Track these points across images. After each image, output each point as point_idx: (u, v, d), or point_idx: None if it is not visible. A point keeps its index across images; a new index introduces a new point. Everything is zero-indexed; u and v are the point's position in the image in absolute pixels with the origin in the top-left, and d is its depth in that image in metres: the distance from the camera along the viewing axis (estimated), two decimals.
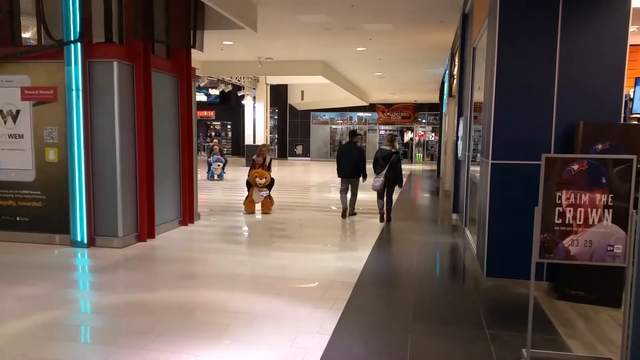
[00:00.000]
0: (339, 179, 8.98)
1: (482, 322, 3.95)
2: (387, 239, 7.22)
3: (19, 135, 6.40)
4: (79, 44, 6.05)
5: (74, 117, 6.12)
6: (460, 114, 8.90)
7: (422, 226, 8.67)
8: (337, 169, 8.90)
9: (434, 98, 24.28)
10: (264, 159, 9.23)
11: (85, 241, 6.23)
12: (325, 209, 10.13)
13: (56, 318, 3.97)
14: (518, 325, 3.75)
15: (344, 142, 28.49)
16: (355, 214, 9.07)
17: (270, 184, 9.13)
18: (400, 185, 8.59)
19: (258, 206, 9.17)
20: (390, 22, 10.08)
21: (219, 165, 15.52)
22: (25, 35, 6.90)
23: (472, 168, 7.19)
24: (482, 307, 4.42)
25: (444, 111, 15.33)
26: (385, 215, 8.51)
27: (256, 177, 8.87)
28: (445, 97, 14.41)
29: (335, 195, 12.15)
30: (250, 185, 9.15)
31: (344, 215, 8.91)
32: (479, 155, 6.03)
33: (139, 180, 6.56)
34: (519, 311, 4.04)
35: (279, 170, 20.30)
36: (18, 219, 6.50)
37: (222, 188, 13.77)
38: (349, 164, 8.68)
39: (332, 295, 4.53)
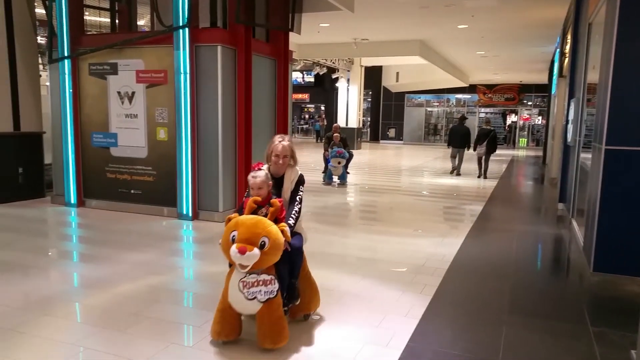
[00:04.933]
0: (449, 149, 12.96)
1: (586, 318, 3.65)
2: (483, 227, 6.90)
3: (134, 115, 7.00)
4: (186, 29, 6.43)
5: (182, 99, 6.55)
6: (571, 95, 8.20)
7: (523, 215, 8.16)
8: (449, 142, 12.89)
9: (541, 78, 22.60)
10: (282, 177, 3.42)
11: (190, 214, 6.71)
12: (417, 194, 9.92)
13: (163, 283, 4.34)
14: (627, 325, 3.41)
15: (439, 125, 28.35)
16: (460, 174, 12.61)
17: (293, 257, 3.21)
18: (495, 150, 12.26)
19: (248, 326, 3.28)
20: None
21: (339, 163, 10.21)
22: (140, 22, 7.50)
23: (582, 155, 6.61)
24: (587, 302, 4.09)
25: (552, 92, 14.24)
26: (483, 174, 12.19)
27: (233, 238, 2.93)
28: (554, 77, 13.36)
29: (428, 179, 12.09)
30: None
31: (452, 172, 12.73)
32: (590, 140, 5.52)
33: (238, 159, 6.89)
34: (629, 310, 3.69)
35: (370, 154, 20.24)
36: (132, 191, 7.16)
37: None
38: (459, 138, 12.55)
39: (421, 280, 4.45)
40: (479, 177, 12.22)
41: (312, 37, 14.66)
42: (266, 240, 2.91)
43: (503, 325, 3.53)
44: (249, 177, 3.22)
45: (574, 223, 6.65)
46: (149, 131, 6.95)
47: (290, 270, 3.24)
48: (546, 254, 6.06)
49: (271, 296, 3.00)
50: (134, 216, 6.91)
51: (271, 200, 3.14)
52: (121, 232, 6.15)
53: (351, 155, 10.61)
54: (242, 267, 2.91)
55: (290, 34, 7.95)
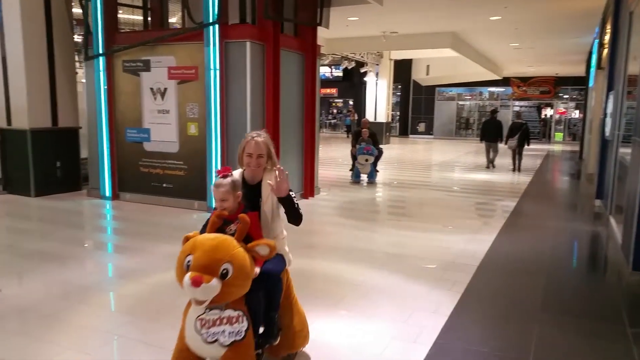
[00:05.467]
0: (483, 144, 13.21)
1: (624, 318, 3.53)
2: (516, 223, 6.74)
3: (166, 110, 7.13)
4: (216, 25, 6.49)
5: (212, 95, 6.63)
6: (610, 88, 7.90)
7: (558, 212, 7.93)
8: (482, 136, 13.09)
9: (578, 71, 21.84)
10: (259, 184, 2.72)
11: None
12: (447, 189, 9.76)
13: None
14: None
15: (471, 119, 27.79)
16: (494, 166, 12.91)
17: (270, 286, 2.59)
18: (529, 144, 12.46)
19: None
20: None
21: (367, 160, 9.63)
22: (172, 20, 7.62)
23: (621, 150, 6.37)
24: (625, 302, 3.95)
25: (590, 85, 13.78)
26: (517, 167, 12.35)
27: (188, 265, 2.23)
28: (592, 69, 12.93)
29: (459, 175, 11.89)
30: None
31: (487, 167, 12.92)
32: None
33: None
34: None
35: (399, 148, 20.05)
36: (164, 185, 7.30)
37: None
38: (492, 132, 12.75)
39: (451, 277, 4.39)
40: (512, 170, 12.33)
41: (340, 31, 14.56)
42: (229, 267, 2.20)
43: (535, 323, 3.44)
44: (212, 186, 2.54)
45: (612, 220, 6.42)
46: (180, 126, 7.07)
47: (267, 302, 2.55)
48: (582, 251, 5.88)
49: (237, 338, 2.28)
50: (166, 209, 7.05)
51: (239, 215, 2.41)
52: (154, 225, 6.29)
53: (381, 152, 9.97)
54: (198, 302, 2.20)
55: (319, 28, 7.93)
